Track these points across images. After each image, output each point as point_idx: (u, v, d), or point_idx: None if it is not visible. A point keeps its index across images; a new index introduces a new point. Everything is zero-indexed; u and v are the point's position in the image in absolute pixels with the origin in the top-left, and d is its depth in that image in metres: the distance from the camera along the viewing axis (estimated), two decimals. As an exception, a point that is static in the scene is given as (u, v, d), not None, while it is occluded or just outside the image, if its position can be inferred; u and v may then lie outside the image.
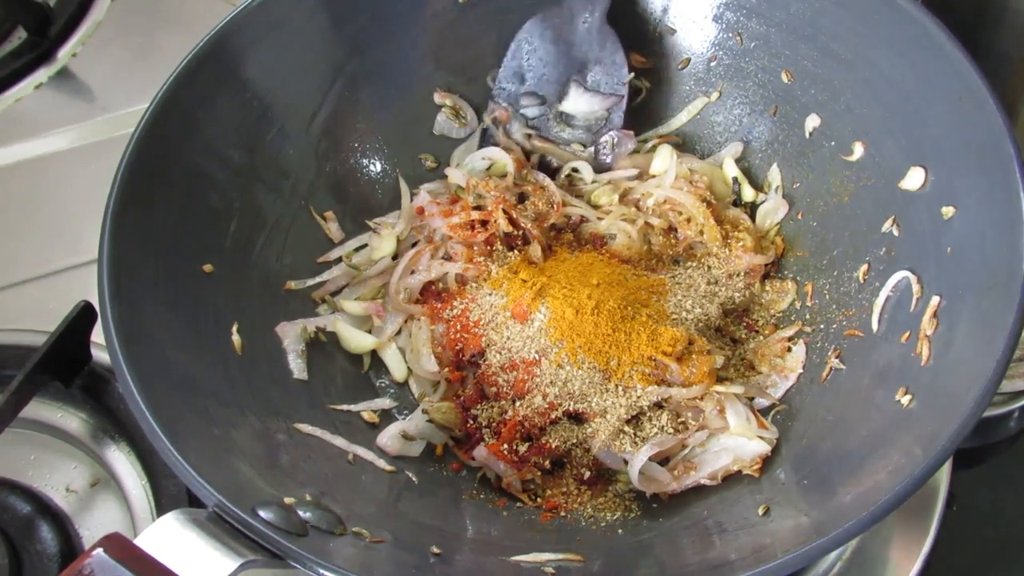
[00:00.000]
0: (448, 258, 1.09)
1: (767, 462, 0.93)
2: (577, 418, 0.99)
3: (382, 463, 0.97)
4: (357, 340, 1.07)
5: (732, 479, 0.94)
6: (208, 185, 1.00)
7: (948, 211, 0.88)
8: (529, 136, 1.16)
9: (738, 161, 1.14)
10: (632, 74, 1.12)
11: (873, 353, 0.93)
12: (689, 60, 1.14)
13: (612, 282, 1.02)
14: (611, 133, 1.14)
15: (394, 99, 1.15)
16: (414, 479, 0.97)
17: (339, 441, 0.96)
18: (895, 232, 0.95)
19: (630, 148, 1.14)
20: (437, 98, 1.17)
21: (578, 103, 1.14)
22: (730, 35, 1.10)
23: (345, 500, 0.86)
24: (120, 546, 0.68)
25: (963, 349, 0.81)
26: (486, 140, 1.18)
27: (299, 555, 0.73)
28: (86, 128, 1.36)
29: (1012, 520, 1.14)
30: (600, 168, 1.15)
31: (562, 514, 0.96)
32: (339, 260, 1.11)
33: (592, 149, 1.15)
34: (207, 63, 1.00)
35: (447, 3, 1.12)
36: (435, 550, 0.84)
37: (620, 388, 0.96)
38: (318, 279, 1.09)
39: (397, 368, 1.07)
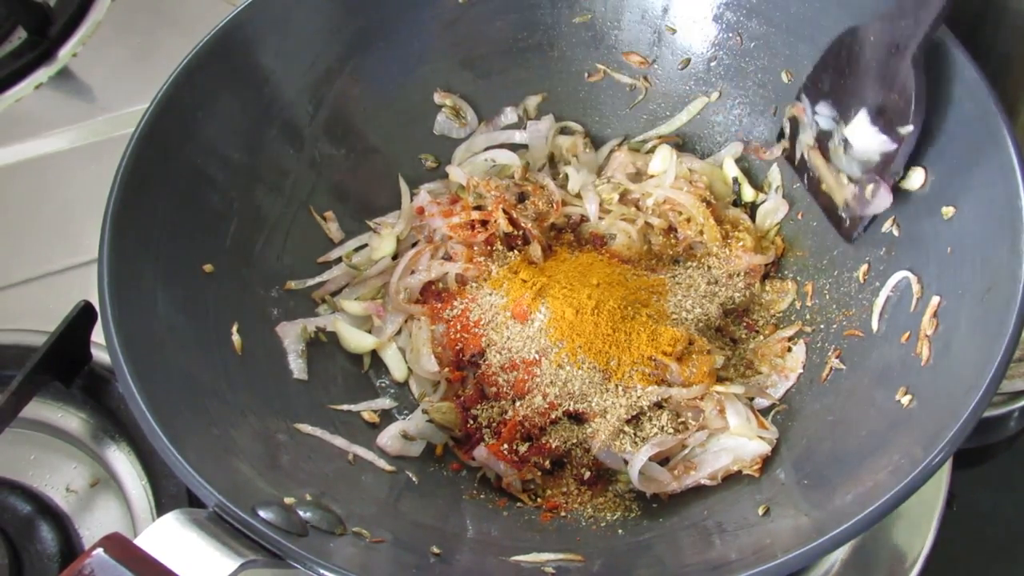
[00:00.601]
0: (448, 258, 1.09)
1: (767, 462, 0.93)
2: (577, 418, 0.99)
3: (382, 463, 0.97)
4: (357, 340, 1.07)
5: (732, 479, 0.94)
6: (208, 185, 1.00)
7: (948, 211, 0.88)
8: (812, 147, 1.02)
9: (738, 161, 1.14)
10: (912, 127, 0.89)
11: (873, 353, 0.93)
12: (689, 60, 1.14)
13: (612, 282, 1.02)
14: (873, 179, 0.94)
15: (394, 99, 1.14)
16: (414, 479, 0.97)
17: (339, 441, 0.96)
18: (895, 232, 0.95)
19: (884, 205, 0.94)
20: (437, 98, 1.16)
21: (860, 134, 0.95)
22: (730, 35, 1.10)
23: (345, 500, 0.86)
24: (120, 546, 0.68)
25: (963, 349, 0.81)
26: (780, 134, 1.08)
27: (299, 555, 0.73)
28: (86, 128, 1.36)
29: (1012, 520, 1.15)
30: (853, 215, 0.99)
31: (562, 514, 0.96)
32: (339, 260, 1.11)
33: (855, 189, 0.98)
34: (207, 62, 1.00)
35: (448, 3, 1.12)
36: (435, 550, 0.84)
37: (620, 388, 0.96)
38: (318, 279, 1.09)
39: (397, 368, 1.07)
